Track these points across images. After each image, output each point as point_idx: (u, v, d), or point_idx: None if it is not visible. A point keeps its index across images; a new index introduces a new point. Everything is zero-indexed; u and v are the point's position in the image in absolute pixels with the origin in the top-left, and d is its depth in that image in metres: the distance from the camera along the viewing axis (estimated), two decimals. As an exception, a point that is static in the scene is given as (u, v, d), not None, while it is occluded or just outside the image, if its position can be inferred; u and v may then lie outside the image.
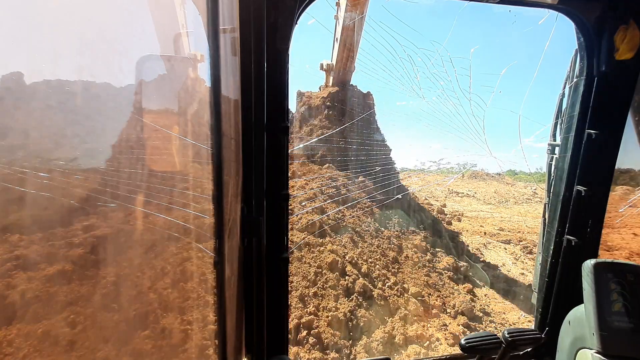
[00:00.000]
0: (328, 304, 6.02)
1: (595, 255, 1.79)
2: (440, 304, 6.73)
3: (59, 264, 0.69)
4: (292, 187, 9.23)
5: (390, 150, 12.80)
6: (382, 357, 1.49)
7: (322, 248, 7.21)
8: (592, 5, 1.57)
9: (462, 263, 8.44)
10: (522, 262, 9.67)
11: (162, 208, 1.06)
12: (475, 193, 21.87)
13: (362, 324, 5.82)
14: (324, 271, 6.59)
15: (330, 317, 5.75)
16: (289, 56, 1.38)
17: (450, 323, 6.28)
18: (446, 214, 11.70)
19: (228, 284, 1.21)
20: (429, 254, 8.44)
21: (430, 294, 6.94)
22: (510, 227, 12.93)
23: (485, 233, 11.66)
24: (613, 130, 1.68)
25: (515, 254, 10.19)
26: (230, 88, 1.32)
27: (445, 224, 10.42)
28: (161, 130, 1.13)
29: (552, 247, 1.88)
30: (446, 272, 7.82)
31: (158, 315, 0.98)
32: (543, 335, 1.46)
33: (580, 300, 1.41)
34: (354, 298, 6.20)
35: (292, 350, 5.24)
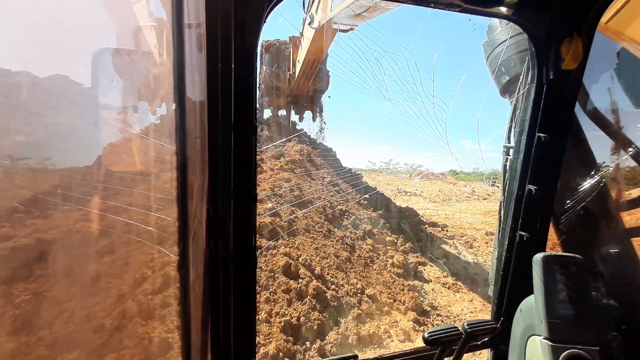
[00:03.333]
0: (281, 309, 5.95)
1: (544, 249, 1.93)
2: (392, 301, 7.00)
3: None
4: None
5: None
6: (349, 354, 1.52)
7: (274, 251, 7.16)
8: (542, 17, 1.69)
9: (410, 260, 8.80)
10: (464, 256, 10.30)
11: (120, 210, 1.00)
12: (422, 192, 22.96)
13: (315, 327, 5.82)
14: (276, 275, 6.54)
15: (283, 323, 5.68)
16: (257, 54, 1.36)
17: (400, 319, 6.56)
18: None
19: (193, 288, 1.17)
20: (380, 252, 8.72)
21: (381, 292, 7.19)
22: (453, 224, 13.78)
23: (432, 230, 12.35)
24: (559, 134, 1.83)
25: (458, 248, 10.85)
26: (196, 85, 1.28)
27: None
28: (120, 128, 1.07)
29: (506, 242, 2.01)
30: (395, 268, 8.14)
31: (115, 323, 0.93)
32: (499, 325, 1.56)
33: (531, 291, 1.52)
34: (307, 301, 6.17)
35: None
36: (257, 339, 5.33)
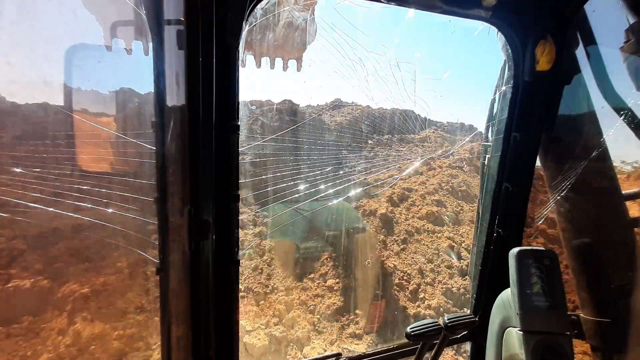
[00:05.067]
0: (443, 279, 7.83)
1: (519, 244, 2.00)
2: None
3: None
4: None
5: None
6: (333, 352, 1.53)
7: (439, 234, 8.96)
8: (518, 20, 1.75)
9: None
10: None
11: (95, 212, 0.97)
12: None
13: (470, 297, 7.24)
14: (440, 253, 8.45)
15: (444, 289, 7.47)
16: (239, 53, 1.34)
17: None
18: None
19: (173, 291, 1.15)
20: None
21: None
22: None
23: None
24: (533, 134, 1.90)
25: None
26: (176, 83, 1.25)
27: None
28: (95, 127, 1.03)
29: (484, 239, 2.07)
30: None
31: (90, 330, 0.89)
32: (477, 319, 1.61)
33: (508, 285, 1.57)
34: (467, 278, 7.81)
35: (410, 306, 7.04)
36: (423, 295, 7.20)
